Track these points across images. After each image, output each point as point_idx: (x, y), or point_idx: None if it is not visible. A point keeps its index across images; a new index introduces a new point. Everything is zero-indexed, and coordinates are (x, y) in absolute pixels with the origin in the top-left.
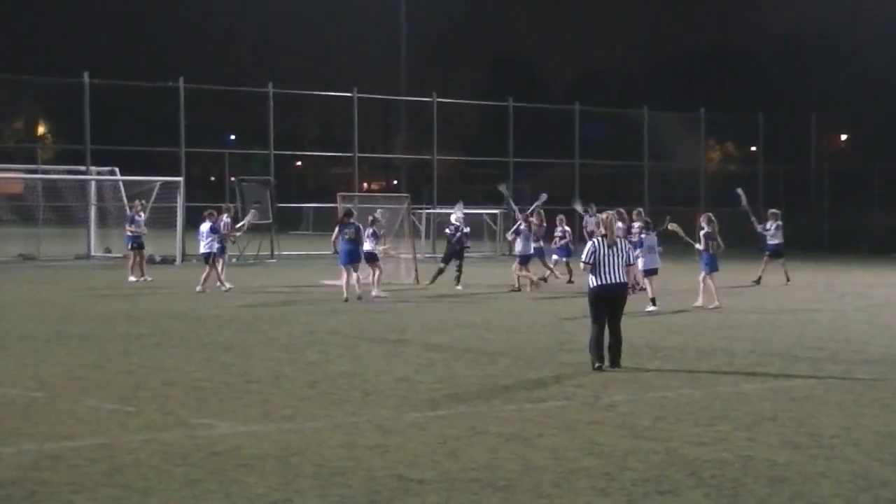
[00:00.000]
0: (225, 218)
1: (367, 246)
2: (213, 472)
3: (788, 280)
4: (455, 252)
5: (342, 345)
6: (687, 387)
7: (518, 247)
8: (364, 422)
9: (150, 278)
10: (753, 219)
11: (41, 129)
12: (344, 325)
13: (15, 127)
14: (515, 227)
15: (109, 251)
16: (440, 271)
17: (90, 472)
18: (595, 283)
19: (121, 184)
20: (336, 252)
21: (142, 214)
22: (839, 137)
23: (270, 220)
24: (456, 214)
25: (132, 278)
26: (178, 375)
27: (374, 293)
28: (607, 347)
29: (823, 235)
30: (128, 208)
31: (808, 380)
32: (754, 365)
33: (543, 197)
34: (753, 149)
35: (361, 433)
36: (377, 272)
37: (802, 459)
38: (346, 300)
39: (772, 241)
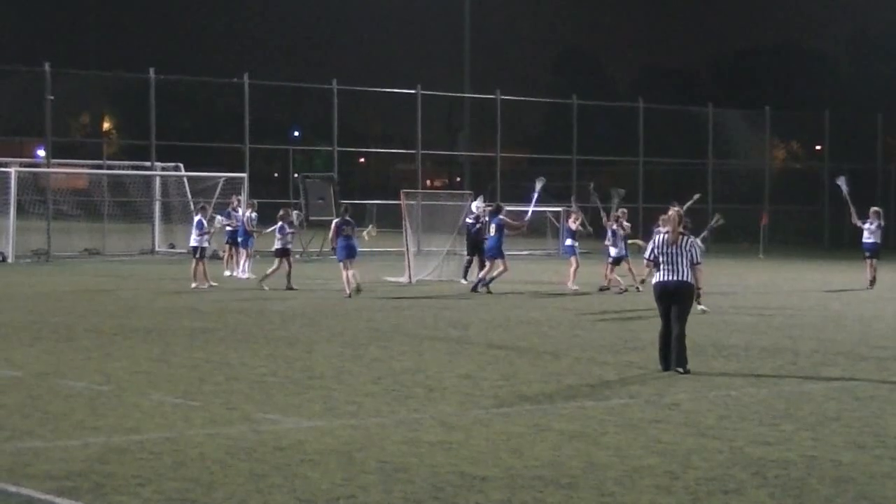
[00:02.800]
0: (250, 213)
1: (277, 242)
2: (278, 467)
3: (872, 283)
4: (477, 243)
5: (405, 341)
6: (751, 386)
7: (612, 249)
8: (427, 418)
9: (237, 274)
10: (853, 209)
11: (107, 125)
12: (407, 321)
13: (81, 122)
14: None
15: (174, 246)
16: (469, 263)
17: (156, 466)
18: (656, 280)
19: (185, 179)
20: (334, 249)
21: (238, 210)
22: None
23: (334, 217)
24: (476, 204)
25: (227, 273)
26: (243, 370)
27: (259, 280)
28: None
29: (889, 234)
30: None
31: (874, 379)
32: (818, 364)
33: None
34: (819, 147)
35: (425, 429)
36: (284, 267)
37: (868, 460)
38: (349, 296)
39: (868, 240)
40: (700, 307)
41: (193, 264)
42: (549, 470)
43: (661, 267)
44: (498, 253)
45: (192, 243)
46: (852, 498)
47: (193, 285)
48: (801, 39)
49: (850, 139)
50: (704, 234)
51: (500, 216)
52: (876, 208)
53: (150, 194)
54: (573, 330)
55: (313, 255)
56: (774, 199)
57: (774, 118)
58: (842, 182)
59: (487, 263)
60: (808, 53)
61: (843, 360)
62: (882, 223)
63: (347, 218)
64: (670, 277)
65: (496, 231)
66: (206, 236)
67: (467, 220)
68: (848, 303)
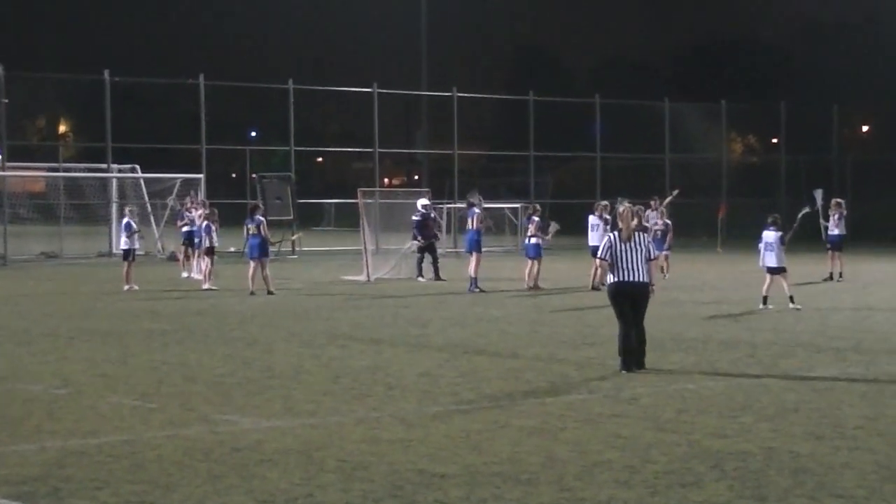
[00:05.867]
0: (198, 212)
1: (123, 242)
2: (236, 468)
3: (834, 276)
4: (426, 241)
5: (364, 340)
6: (709, 379)
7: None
8: (386, 416)
9: (193, 275)
10: (822, 223)
11: (63, 128)
12: (365, 320)
13: (37, 125)
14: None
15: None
16: (421, 260)
17: (114, 468)
18: (612, 280)
19: (142, 181)
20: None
21: (192, 211)
22: (861, 127)
23: (291, 217)
24: (422, 201)
25: (184, 274)
26: (201, 371)
27: (125, 287)
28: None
29: (846, 225)
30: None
31: (831, 370)
32: (777, 356)
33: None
34: (775, 140)
35: (384, 427)
36: (127, 268)
37: (826, 450)
38: (252, 293)
39: (832, 232)
40: (793, 306)
41: (126, 267)
42: (509, 466)
43: (617, 266)
44: (478, 246)
45: (123, 245)
46: (811, 489)
47: (126, 287)
48: (757, 32)
49: (806, 131)
50: (789, 234)
51: (476, 209)
52: (837, 199)
53: (106, 196)
54: (532, 326)
55: (271, 254)
56: (732, 193)
57: (730, 111)
58: (818, 195)
59: (475, 256)
60: (764, 46)
61: (802, 352)
62: (844, 212)
63: (254, 217)
64: (626, 277)
65: (474, 223)
66: (136, 237)
67: (414, 217)
68: (805, 294)
